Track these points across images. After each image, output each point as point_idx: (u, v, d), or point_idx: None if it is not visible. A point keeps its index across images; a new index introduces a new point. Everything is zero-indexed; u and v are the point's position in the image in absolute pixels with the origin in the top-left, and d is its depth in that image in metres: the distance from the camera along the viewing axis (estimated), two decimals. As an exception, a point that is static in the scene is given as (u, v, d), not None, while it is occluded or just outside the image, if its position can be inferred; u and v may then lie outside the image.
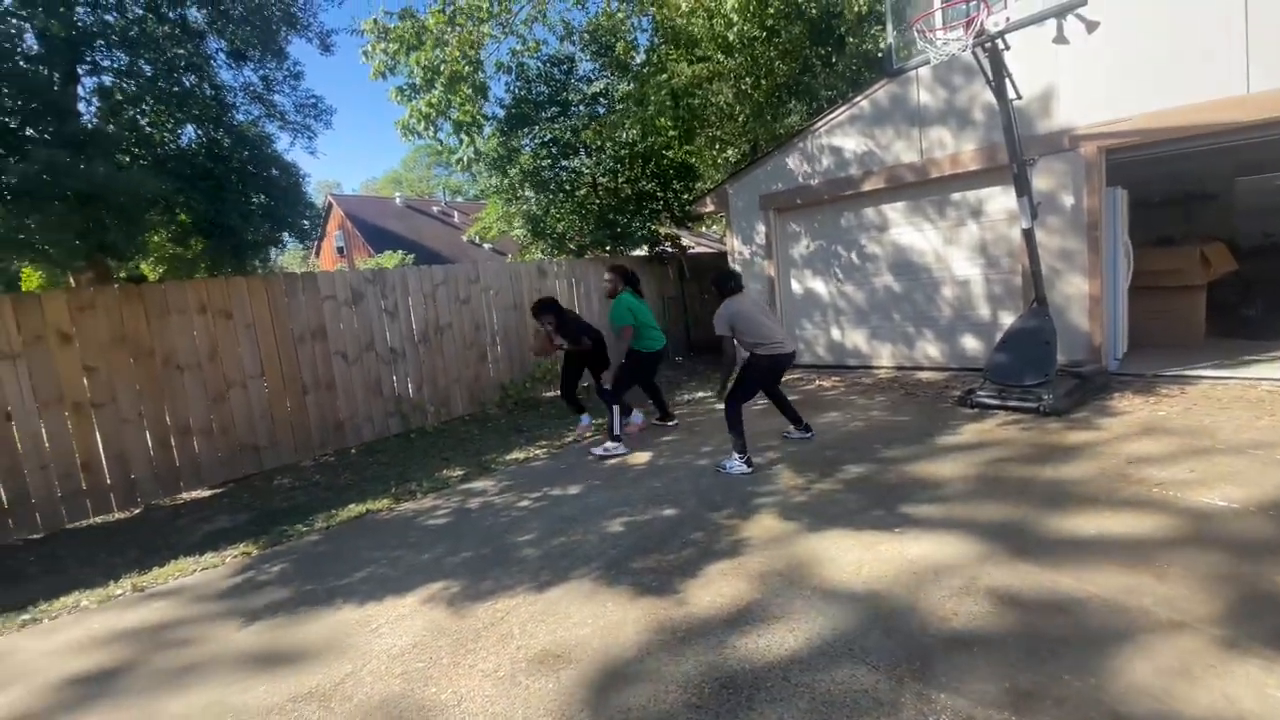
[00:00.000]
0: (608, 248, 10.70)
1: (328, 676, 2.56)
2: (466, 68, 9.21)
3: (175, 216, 6.27)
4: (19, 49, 5.37)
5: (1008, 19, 4.51)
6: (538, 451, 5.76)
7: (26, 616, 3.46)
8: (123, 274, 7.56)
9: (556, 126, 10.28)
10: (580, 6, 11.20)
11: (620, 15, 10.51)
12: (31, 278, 9.39)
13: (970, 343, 6.90)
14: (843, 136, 7.45)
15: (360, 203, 30.30)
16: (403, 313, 7.12)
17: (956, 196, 6.81)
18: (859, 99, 7.25)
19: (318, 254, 29.26)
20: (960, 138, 6.56)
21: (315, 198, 28.47)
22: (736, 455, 4.52)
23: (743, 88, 9.50)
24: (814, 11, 8.39)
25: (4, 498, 4.78)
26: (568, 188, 10.90)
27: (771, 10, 7.87)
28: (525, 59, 10.38)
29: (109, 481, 5.24)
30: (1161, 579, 2.56)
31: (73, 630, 3.26)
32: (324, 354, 6.43)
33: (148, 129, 6.94)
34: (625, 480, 4.65)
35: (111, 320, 5.25)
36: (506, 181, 11.07)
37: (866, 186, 7.28)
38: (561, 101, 10.34)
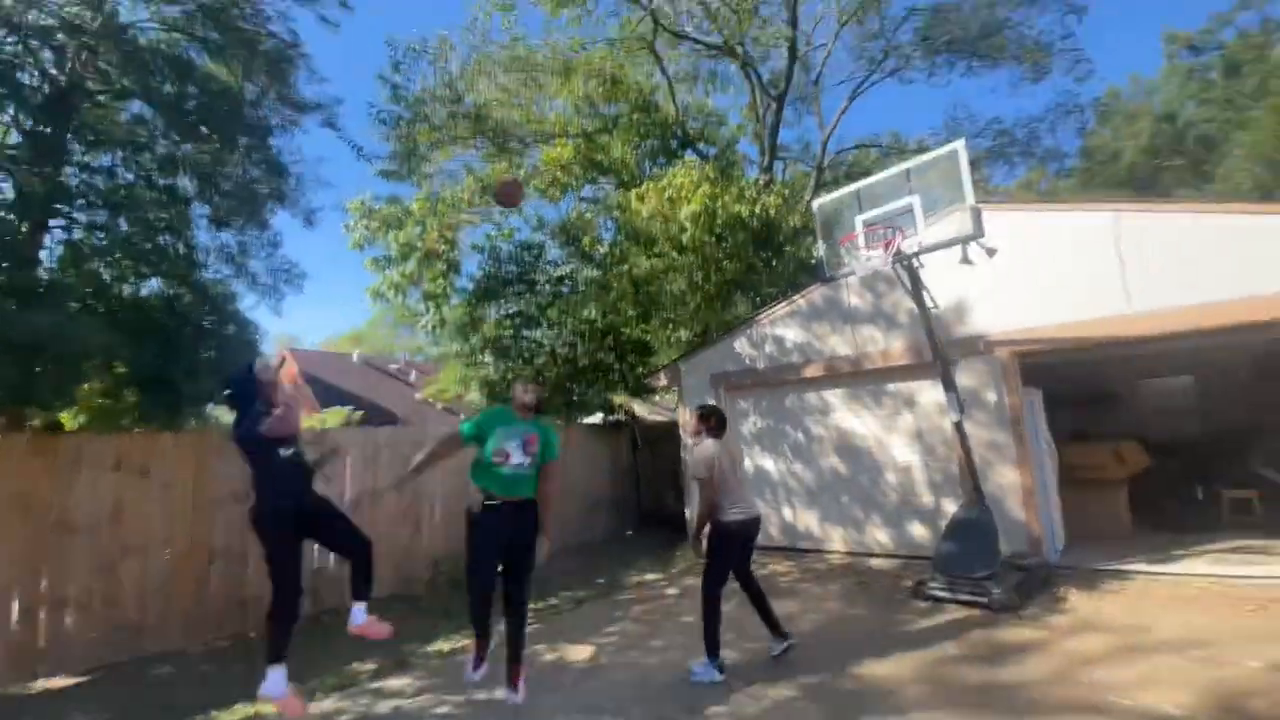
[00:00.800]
0: (563, 415, 10.78)
1: None
2: (443, 246, 9.93)
3: (112, 369, 6.06)
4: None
5: (919, 244, 5.25)
6: (466, 642, 5.18)
7: None
8: (37, 421, 7.06)
9: (522, 301, 10.89)
10: (553, 205, 12.56)
11: (589, 215, 11.78)
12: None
13: (918, 529, 6.94)
14: (784, 328, 8.10)
15: (316, 358, 30.22)
16: (337, 476, 6.77)
17: (891, 387, 7.30)
18: (797, 298, 8.03)
19: (261, 406, 28.30)
20: (889, 335, 7.22)
21: (270, 349, 28.30)
22: (708, 659, 3.89)
23: (695, 279, 10.45)
24: (756, 224, 9.60)
25: None
26: (526, 355, 11.24)
27: (719, 222, 8.98)
28: (499, 243, 11.29)
29: (-59, 671, 4.38)
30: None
31: None
32: (242, 519, 5.91)
33: (108, 280, 6.97)
34: (563, 682, 4.19)
35: (9, 473, 4.78)
36: (467, 347, 11.37)
37: (807, 373, 7.77)
38: (529, 280, 11.08)
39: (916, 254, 5.30)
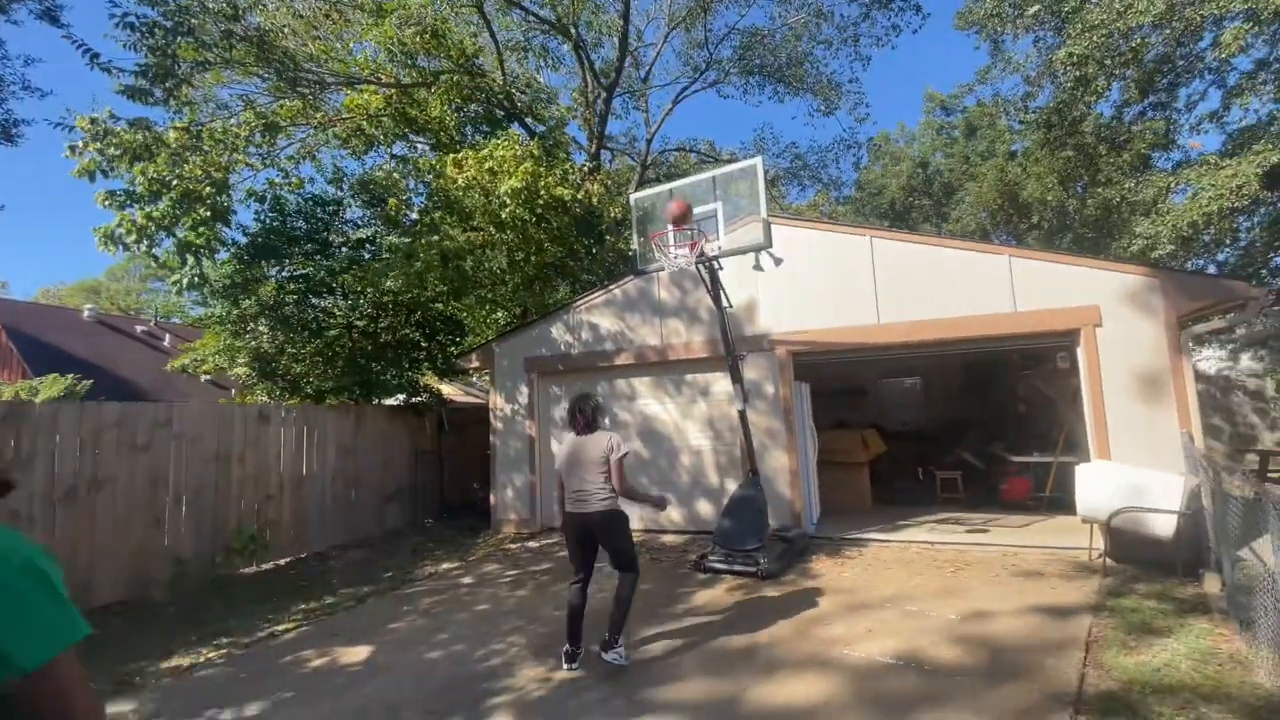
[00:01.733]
0: (355, 395, 9.80)
1: None
2: (207, 188, 8.34)
3: None
4: None
5: (719, 247, 5.66)
6: (212, 655, 4.48)
7: None
8: None
9: (311, 264, 9.61)
10: (357, 159, 11.26)
11: (398, 175, 10.77)
12: None
13: (705, 507, 7.57)
14: (600, 316, 8.25)
15: (28, 310, 23.85)
16: (43, 463, 5.40)
17: (690, 377, 7.83)
18: (614, 287, 8.22)
19: (-68, 369, 21.61)
20: (691, 330, 7.72)
21: (-52, 297, 21.71)
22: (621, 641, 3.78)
23: (515, 259, 10.16)
24: (578, 210, 9.61)
25: None
26: (314, 327, 9.98)
27: (541, 201, 8.81)
28: (284, 193, 9.82)
29: None
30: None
31: None
32: (-125, 522, 4.43)
33: None
34: (330, 688, 3.80)
35: None
36: (236, 312, 9.75)
37: (619, 361, 8.01)
38: (321, 240, 9.81)
39: (716, 256, 5.71)
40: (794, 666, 3.68)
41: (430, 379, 10.96)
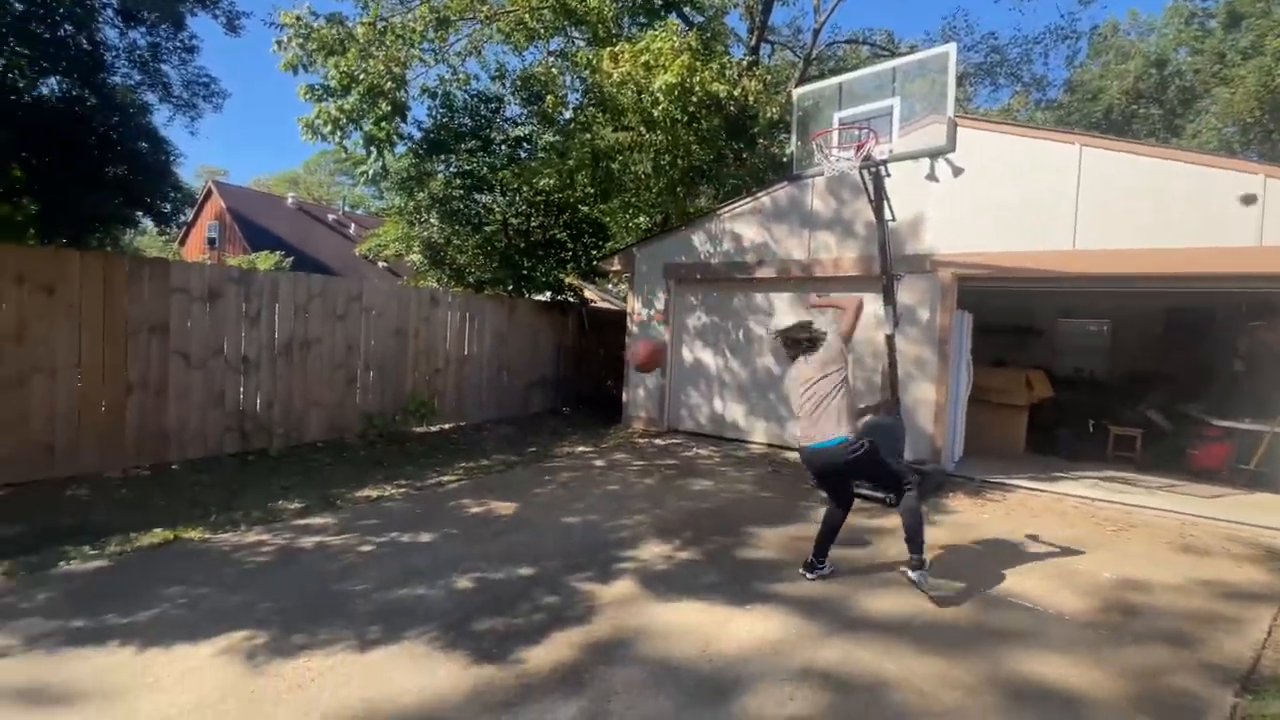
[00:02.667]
0: (509, 288, 10.54)
1: (70, 743, 2.10)
2: (389, 83, 8.96)
3: (8, 171, 5.37)
4: None
5: (890, 150, 5.13)
6: (394, 491, 5.34)
7: None
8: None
9: (475, 160, 10.18)
10: (518, 54, 11.42)
11: (555, 71, 10.80)
12: None
13: (835, 431, 7.40)
14: (744, 225, 7.99)
15: (246, 195, 27.94)
16: (266, 320, 6.50)
17: (834, 296, 7.43)
18: (762, 194, 7.86)
19: (183, 242, 26.36)
20: (843, 245, 7.24)
21: (194, 182, 25.89)
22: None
23: (661, 162, 10.00)
24: (732, 109, 9.09)
25: None
26: (475, 221, 10.71)
27: (694, 99, 8.43)
28: (453, 89, 10.30)
29: None
30: (958, 668, 2.77)
31: None
32: (161, 352, 5.67)
33: (1, 69, 6.03)
34: (487, 532, 4.41)
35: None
36: (412, 204, 10.69)
37: (759, 274, 7.79)
38: (483, 137, 10.29)
39: (886, 161, 5.19)
40: (901, 585, 3.65)
41: (573, 279, 11.46)
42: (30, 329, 4.93)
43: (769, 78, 9.15)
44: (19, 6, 5.76)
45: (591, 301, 12.39)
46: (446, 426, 8.44)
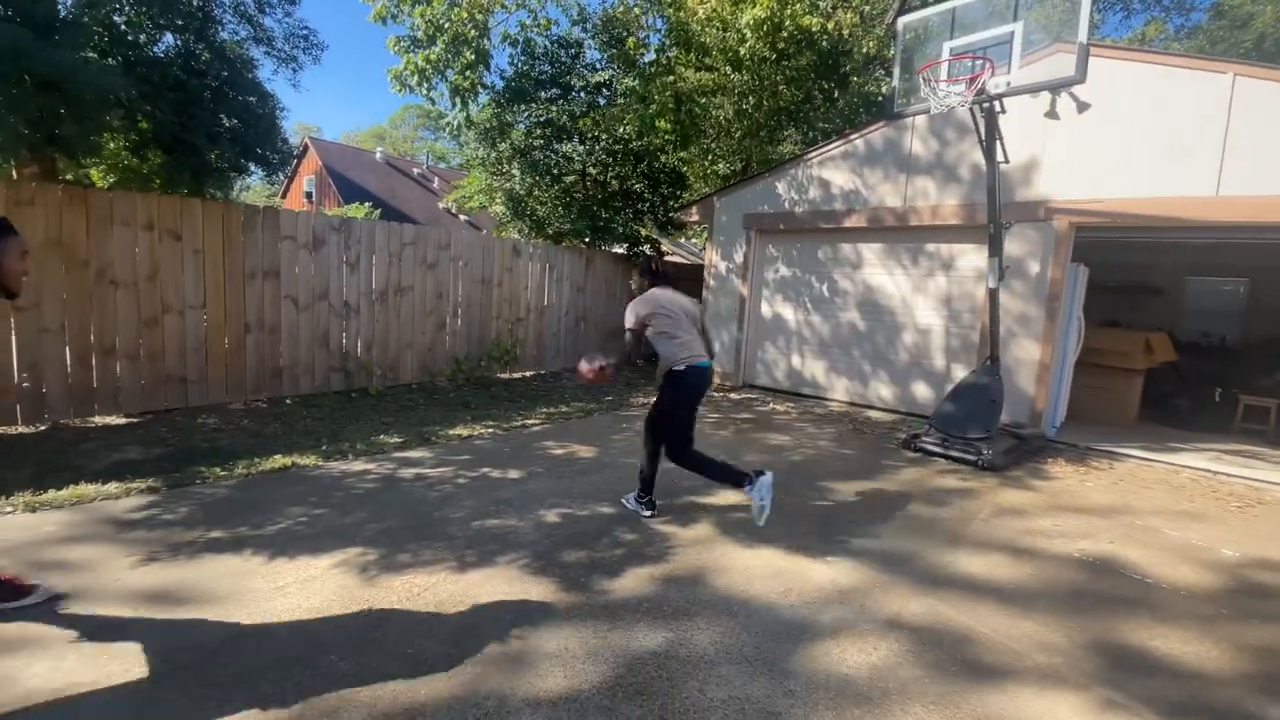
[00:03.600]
0: (586, 239, 10.59)
1: (224, 630, 2.39)
2: (472, 31, 8.97)
3: (136, 124, 5.85)
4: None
5: (1008, 83, 4.65)
6: (483, 430, 5.61)
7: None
8: (69, 176, 7.03)
9: (554, 108, 10.12)
10: (598, -6, 11.09)
11: (637, 10, 10.44)
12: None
13: (922, 389, 7.09)
14: (834, 170, 7.57)
15: (338, 151, 29.24)
16: (364, 267, 6.86)
17: (931, 247, 6.99)
18: (855, 136, 7.39)
19: (284, 195, 28.06)
20: (944, 191, 6.74)
21: (292, 137, 27.28)
22: (639, 495, 3.78)
23: (744, 106, 9.56)
24: (825, 44, 8.50)
25: (-114, 391, 4.36)
26: (555, 172, 10.74)
27: (785, 35, 7.94)
28: (533, 34, 10.20)
29: (18, 390, 4.84)
30: (1054, 632, 2.64)
31: (-61, 544, 2.97)
32: (274, 296, 6.12)
33: (124, 28, 6.48)
34: (569, 471, 4.56)
35: (49, 221, 4.86)
36: (494, 155, 10.83)
37: (848, 223, 7.41)
38: (563, 84, 10.19)
39: (1002, 95, 4.72)
40: (990, 546, 3.50)
41: (649, 231, 11.34)
42: (162, 272, 5.43)
43: (866, 8, 8.43)
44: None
45: (667, 254, 12.25)
46: (527, 373, 8.73)
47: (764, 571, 3.11)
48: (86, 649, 2.23)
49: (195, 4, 6.52)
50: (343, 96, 70.04)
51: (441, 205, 24.76)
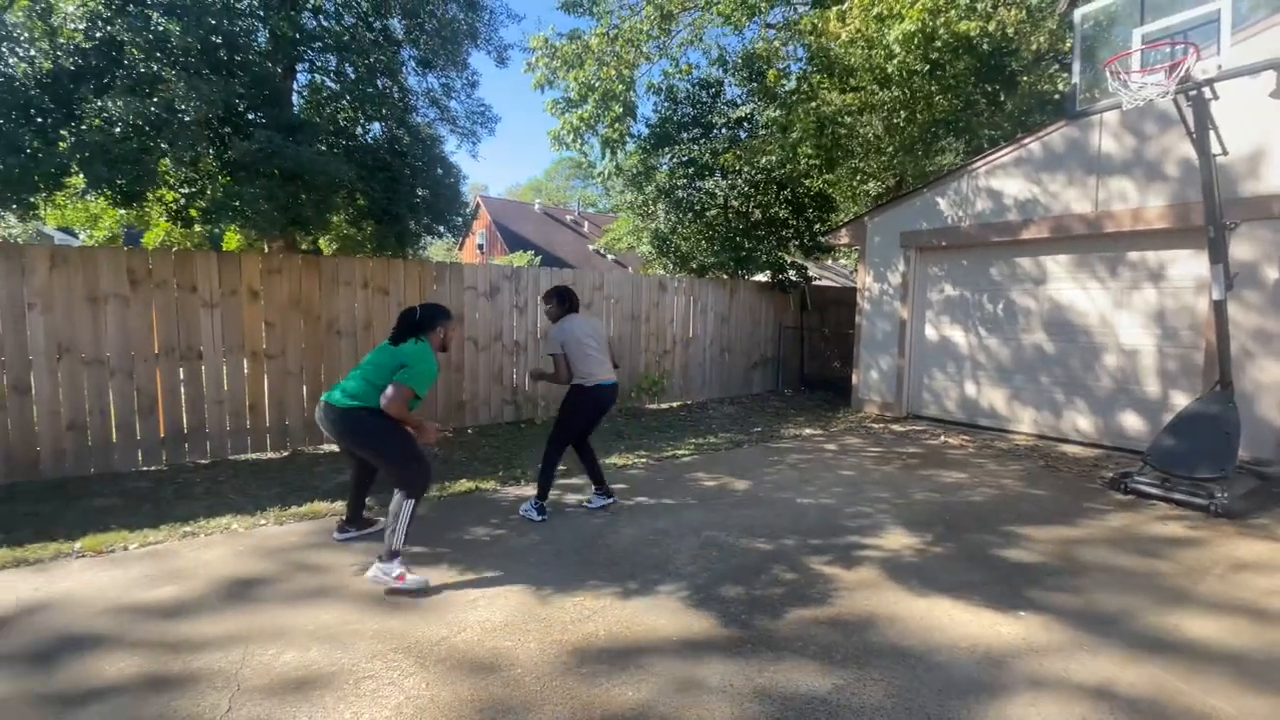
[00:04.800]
0: (729, 270, 10.67)
1: (427, 634, 2.72)
2: (620, 87, 9.63)
3: (355, 201, 7.09)
4: (254, 45, 6.35)
5: (1219, 66, 4.00)
6: (636, 460, 5.82)
7: (188, 529, 3.99)
8: (304, 246, 8.62)
9: (696, 148, 10.45)
10: (737, 33, 11.37)
11: (777, 43, 10.53)
12: (231, 240, 10.99)
13: (1131, 420, 6.11)
14: (1004, 179, 6.93)
15: (501, 205, 32.54)
16: (530, 309, 7.53)
17: (1134, 256, 6.09)
18: (1029, 140, 6.73)
19: (460, 248, 31.71)
20: (1146, 191, 5.87)
21: (466, 198, 30.96)
22: (535, 500, 4.24)
23: (895, 121, 9.14)
24: (985, 47, 7.89)
25: (186, 424, 5.59)
26: (698, 208, 11.02)
27: (938, 44, 7.51)
28: (675, 81, 10.68)
29: (268, 424, 5.97)
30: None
31: (221, 548, 3.72)
32: (459, 339, 6.94)
33: (343, 123, 7.91)
34: (723, 504, 4.58)
35: (291, 285, 6.00)
36: (641, 198, 11.39)
37: (1026, 235, 6.71)
38: (705, 123, 10.51)
39: (1211, 80, 4.07)
40: (1229, 609, 2.90)
41: (794, 256, 11.14)
42: (374, 321, 6.42)
43: (1032, 2, 7.70)
44: (351, 72, 7.49)
45: (815, 278, 11.92)
46: (674, 404, 8.92)
47: (942, 622, 2.87)
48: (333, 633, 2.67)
49: (396, 96, 7.78)
50: (506, 154, 78.24)
51: (591, 248, 26.45)
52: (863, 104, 8.70)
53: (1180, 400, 5.57)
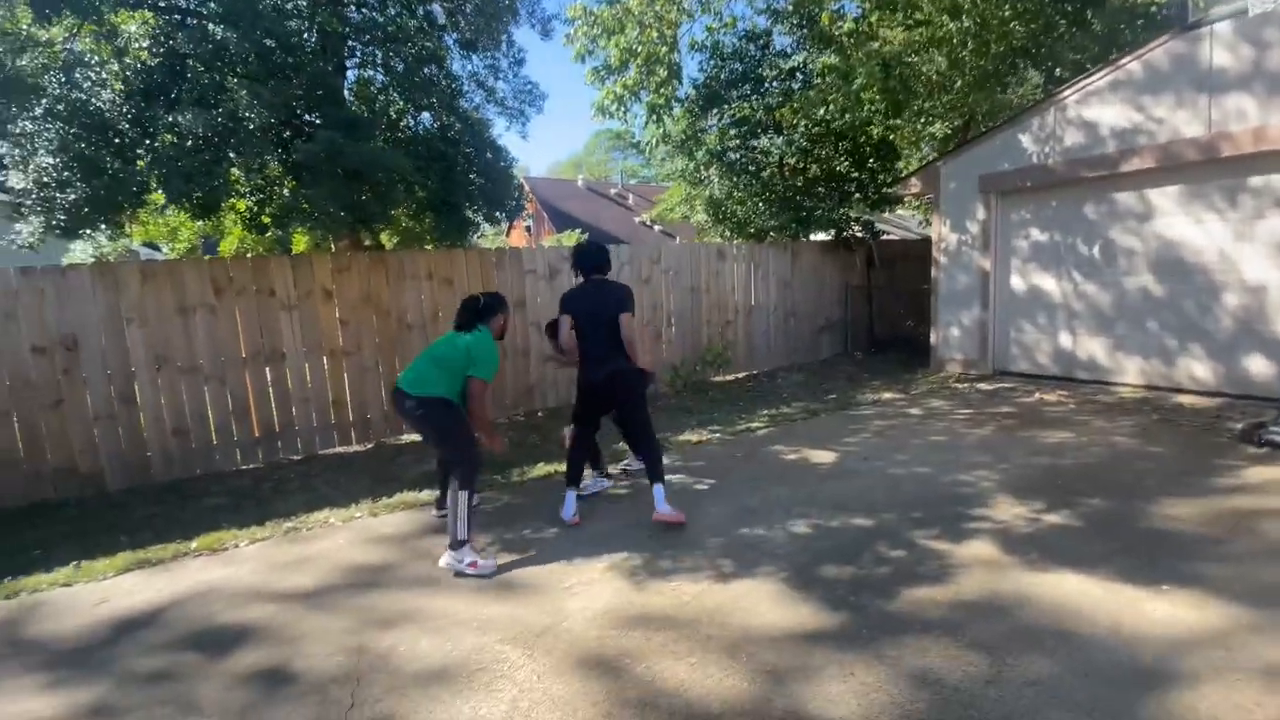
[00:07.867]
0: (789, 232, 10.23)
1: (530, 624, 2.71)
2: (663, 49, 9.26)
3: (414, 194, 7.13)
4: (306, 45, 6.39)
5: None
6: (710, 436, 5.70)
7: (290, 524, 4.15)
8: (368, 243, 8.80)
9: (747, 105, 9.98)
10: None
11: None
12: (299, 241, 11.37)
13: (1258, 364, 5.51)
14: (1099, 106, 6.27)
15: (548, 185, 32.50)
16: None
17: (1257, 181, 5.41)
18: (1126, 60, 6.04)
19: (508, 233, 31.99)
20: (1269, 107, 5.17)
21: (518, 181, 31.12)
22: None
23: (962, 55, 8.42)
24: (1068, -40, 7.13)
25: (277, 423, 5.83)
26: (752, 169, 10.57)
27: (1014, -38, 6.82)
28: (720, 35, 10.19)
29: (351, 418, 6.17)
30: None
31: (323, 541, 3.85)
32: (522, 323, 6.95)
33: (394, 115, 7.92)
34: (809, 478, 4.41)
35: (361, 282, 6.12)
36: (692, 164, 11.03)
37: (1126, 167, 6.07)
38: (755, 78, 10.00)
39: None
40: None
41: (859, 212, 10.58)
42: (441, 311, 6.48)
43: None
44: (398, 64, 7.45)
45: (882, 233, 11.30)
46: (740, 375, 8.71)
47: (1077, 600, 2.63)
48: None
49: (443, 83, 7.72)
50: (546, 131, 78.09)
51: (638, 220, 26.12)
52: (928, 39, 8.03)
53: (1322, 339, 4.96)
